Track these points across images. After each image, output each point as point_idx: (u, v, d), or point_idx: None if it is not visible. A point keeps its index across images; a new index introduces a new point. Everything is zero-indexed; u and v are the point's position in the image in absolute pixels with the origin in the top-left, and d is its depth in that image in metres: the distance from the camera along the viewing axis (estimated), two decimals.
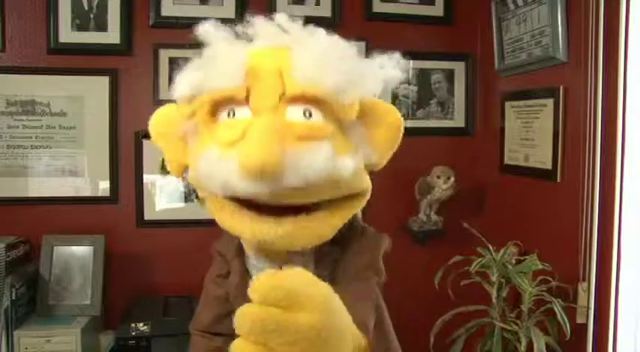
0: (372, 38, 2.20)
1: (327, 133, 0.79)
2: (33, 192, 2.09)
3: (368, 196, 0.90)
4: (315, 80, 0.78)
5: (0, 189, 2.06)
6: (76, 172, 2.12)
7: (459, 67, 2.36)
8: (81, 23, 2.09)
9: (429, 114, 2.35)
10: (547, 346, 1.62)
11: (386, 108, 0.91)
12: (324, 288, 0.68)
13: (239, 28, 0.88)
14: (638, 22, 1.56)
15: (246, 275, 0.97)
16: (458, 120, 2.38)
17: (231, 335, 0.98)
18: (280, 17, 0.88)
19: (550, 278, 1.69)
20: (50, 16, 2.06)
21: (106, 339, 1.98)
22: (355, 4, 2.25)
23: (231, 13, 2.13)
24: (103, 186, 2.14)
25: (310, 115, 0.80)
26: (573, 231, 1.71)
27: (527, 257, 1.76)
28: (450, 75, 2.36)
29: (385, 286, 0.97)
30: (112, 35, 2.11)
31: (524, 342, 1.65)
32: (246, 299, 0.96)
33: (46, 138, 2.09)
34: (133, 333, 1.78)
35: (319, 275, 0.91)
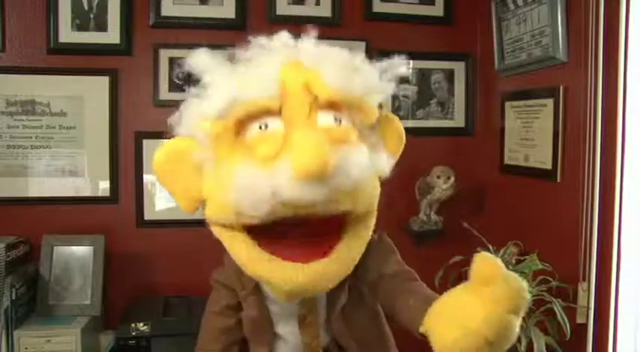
0: (372, 38, 2.20)
1: (356, 137, 0.84)
2: (33, 192, 2.08)
3: (375, 214, 0.91)
4: (345, 86, 0.82)
5: (0, 189, 2.06)
6: (76, 172, 2.12)
7: (458, 67, 2.36)
8: (81, 23, 2.09)
9: (429, 114, 2.35)
10: (547, 346, 1.62)
11: (390, 116, 0.96)
12: None
13: (236, 51, 0.88)
14: (638, 22, 1.56)
15: (264, 310, 1.00)
16: (458, 120, 2.38)
17: None
18: (283, 36, 0.90)
19: (550, 278, 1.69)
20: (50, 16, 2.06)
21: (106, 339, 1.98)
22: (355, 4, 2.25)
23: (231, 13, 2.12)
24: (103, 186, 2.14)
25: (340, 122, 0.83)
26: (573, 231, 1.71)
27: (527, 257, 1.76)
28: (450, 75, 2.36)
29: None
30: (112, 35, 2.11)
31: (524, 342, 1.64)
32: (262, 327, 0.99)
33: (46, 138, 2.09)
34: (133, 333, 1.78)
35: (330, 292, 0.95)
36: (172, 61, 2.12)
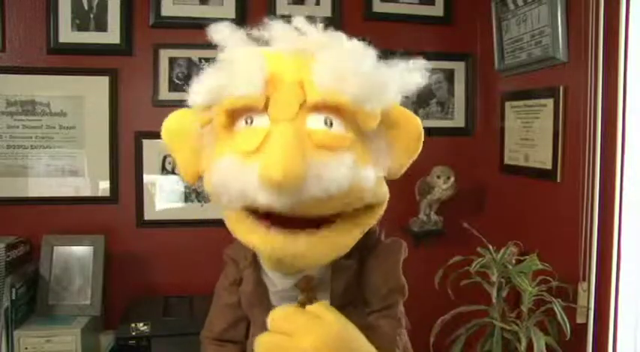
0: (372, 38, 2.18)
1: (349, 143, 0.77)
2: (33, 192, 2.08)
3: (385, 206, 0.87)
4: (336, 89, 0.76)
5: (0, 189, 2.06)
6: (76, 172, 2.12)
7: (459, 67, 2.36)
8: (81, 23, 2.09)
9: (429, 114, 2.35)
10: (547, 346, 1.62)
11: (407, 117, 0.89)
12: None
13: (255, 31, 0.84)
14: (638, 22, 1.56)
15: (259, 285, 0.97)
16: (458, 120, 2.38)
17: (242, 342, 0.99)
18: (299, 20, 0.85)
19: (550, 279, 1.69)
20: (50, 16, 2.06)
21: (106, 339, 1.98)
22: (355, 4, 2.25)
23: (231, 13, 2.13)
24: (103, 186, 2.14)
25: (331, 124, 0.77)
26: (573, 231, 1.71)
27: (527, 257, 1.75)
28: (450, 75, 2.36)
29: None
30: (112, 35, 2.11)
31: (524, 342, 1.65)
32: (259, 308, 0.97)
33: (46, 138, 2.09)
34: (133, 333, 1.78)
35: (335, 286, 0.93)
36: (172, 61, 2.13)
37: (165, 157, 2.16)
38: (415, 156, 0.90)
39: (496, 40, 2.15)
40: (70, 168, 2.11)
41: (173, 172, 2.16)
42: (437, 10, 2.32)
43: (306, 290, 0.94)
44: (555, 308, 1.61)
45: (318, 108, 0.77)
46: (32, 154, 2.08)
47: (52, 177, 2.10)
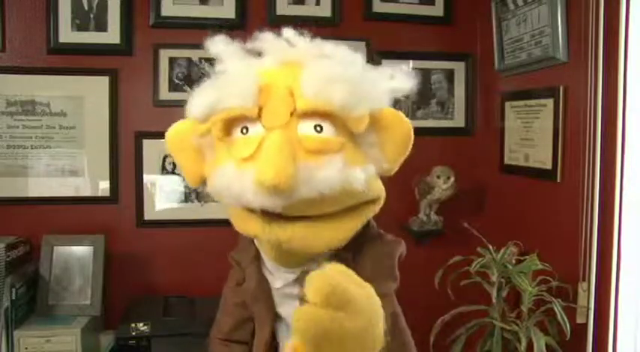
0: (372, 38, 2.20)
1: (339, 146, 0.83)
2: (33, 192, 2.09)
3: (381, 202, 0.93)
4: (324, 96, 0.81)
5: (0, 189, 2.06)
6: (76, 172, 2.12)
7: (458, 67, 2.36)
8: (81, 23, 2.09)
9: (429, 114, 2.35)
10: (547, 346, 1.62)
11: (395, 116, 0.92)
12: (369, 289, 0.75)
13: (248, 44, 0.91)
14: (638, 22, 1.56)
15: (262, 281, 1.00)
16: (458, 120, 2.38)
17: (250, 343, 1.02)
18: (287, 32, 0.90)
19: (550, 279, 1.69)
20: (50, 16, 2.06)
21: (106, 339, 1.98)
22: (355, 4, 2.25)
23: (231, 13, 2.12)
24: (103, 186, 2.14)
25: (321, 129, 0.82)
26: (573, 231, 1.71)
27: (527, 257, 1.75)
28: (450, 75, 2.36)
29: None
30: (112, 35, 2.11)
31: (524, 342, 1.65)
32: (263, 304, 1.00)
33: (46, 138, 2.09)
34: (133, 333, 1.78)
35: None
36: (172, 61, 2.13)
37: (165, 157, 2.16)
38: (407, 153, 0.93)
39: (496, 40, 2.15)
40: (70, 168, 2.11)
41: (173, 172, 2.16)
42: (437, 10, 2.31)
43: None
44: (555, 308, 1.61)
45: (307, 115, 0.82)
46: (32, 154, 2.09)
47: (52, 177, 2.10)
